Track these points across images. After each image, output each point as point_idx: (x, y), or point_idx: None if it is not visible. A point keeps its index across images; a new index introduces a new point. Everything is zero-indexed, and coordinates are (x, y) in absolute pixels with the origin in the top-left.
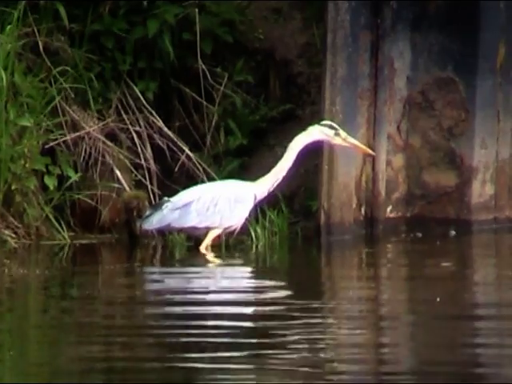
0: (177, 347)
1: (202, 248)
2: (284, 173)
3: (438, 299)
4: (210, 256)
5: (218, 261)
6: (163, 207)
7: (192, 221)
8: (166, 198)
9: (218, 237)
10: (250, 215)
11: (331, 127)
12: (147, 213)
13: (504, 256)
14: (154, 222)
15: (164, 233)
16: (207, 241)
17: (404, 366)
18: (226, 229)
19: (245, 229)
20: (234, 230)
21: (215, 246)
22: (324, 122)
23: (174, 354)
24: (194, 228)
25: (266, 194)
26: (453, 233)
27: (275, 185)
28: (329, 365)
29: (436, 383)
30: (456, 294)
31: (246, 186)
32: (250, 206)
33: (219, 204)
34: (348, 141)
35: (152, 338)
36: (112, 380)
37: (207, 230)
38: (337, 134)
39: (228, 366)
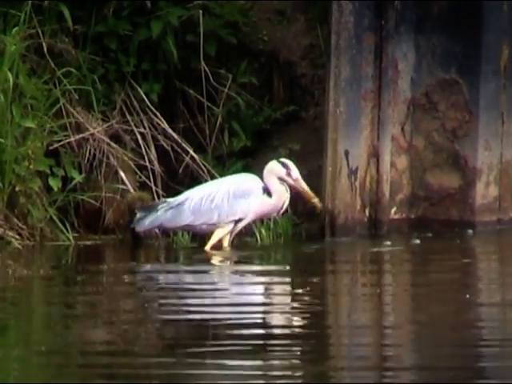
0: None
1: (207, 248)
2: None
3: (468, 296)
4: (214, 256)
5: (221, 261)
6: (158, 208)
7: (186, 219)
8: (162, 199)
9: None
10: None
11: (284, 165)
12: (140, 215)
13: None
14: (147, 223)
15: (168, 234)
16: (212, 241)
17: None
18: (231, 226)
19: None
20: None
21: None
22: (280, 159)
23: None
24: (189, 226)
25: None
26: (470, 232)
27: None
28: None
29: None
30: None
31: (252, 180)
32: (257, 199)
33: (216, 199)
34: (298, 183)
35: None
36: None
37: (208, 227)
38: (288, 174)
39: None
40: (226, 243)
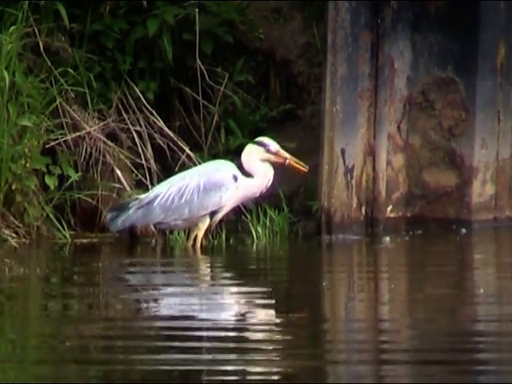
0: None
1: (197, 246)
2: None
3: (482, 290)
4: (202, 255)
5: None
6: (129, 206)
7: (157, 217)
8: (133, 197)
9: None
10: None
11: (260, 144)
12: (112, 215)
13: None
14: (119, 223)
15: (164, 232)
16: (200, 238)
17: None
18: (207, 219)
19: (237, 210)
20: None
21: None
22: (256, 139)
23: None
24: (163, 223)
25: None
26: (463, 231)
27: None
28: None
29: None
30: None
31: (224, 170)
32: (229, 189)
33: (185, 195)
34: (280, 154)
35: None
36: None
37: (183, 222)
38: (267, 151)
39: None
40: (189, 244)
